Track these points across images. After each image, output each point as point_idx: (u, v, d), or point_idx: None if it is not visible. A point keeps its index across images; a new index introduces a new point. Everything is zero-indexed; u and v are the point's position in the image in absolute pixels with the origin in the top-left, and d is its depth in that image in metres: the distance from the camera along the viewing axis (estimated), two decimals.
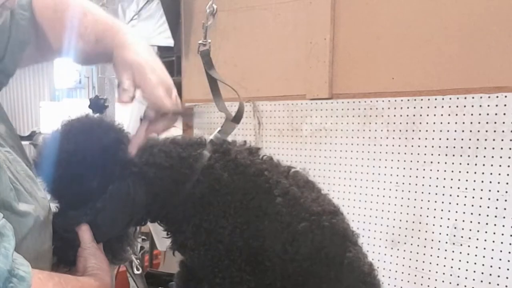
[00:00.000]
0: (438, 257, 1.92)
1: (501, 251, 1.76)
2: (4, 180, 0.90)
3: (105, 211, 1.02)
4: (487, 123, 1.78)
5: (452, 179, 1.87)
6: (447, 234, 1.89)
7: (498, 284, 1.77)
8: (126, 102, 1.07)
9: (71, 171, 1.01)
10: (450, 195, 1.88)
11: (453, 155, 1.86)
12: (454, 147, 1.86)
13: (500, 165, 1.76)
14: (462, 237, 1.85)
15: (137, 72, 1.09)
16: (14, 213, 0.90)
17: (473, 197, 1.82)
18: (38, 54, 1.21)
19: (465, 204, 1.84)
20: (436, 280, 1.93)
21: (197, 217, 1.09)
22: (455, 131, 1.86)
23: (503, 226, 1.76)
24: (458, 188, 1.86)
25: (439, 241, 1.91)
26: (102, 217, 1.02)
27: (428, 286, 1.96)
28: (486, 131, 1.79)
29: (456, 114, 1.85)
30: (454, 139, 1.86)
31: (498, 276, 1.77)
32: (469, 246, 1.84)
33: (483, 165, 1.80)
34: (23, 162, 1.01)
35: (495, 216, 1.77)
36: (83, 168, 1.01)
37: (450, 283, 1.89)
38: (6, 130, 1.06)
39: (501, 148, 1.76)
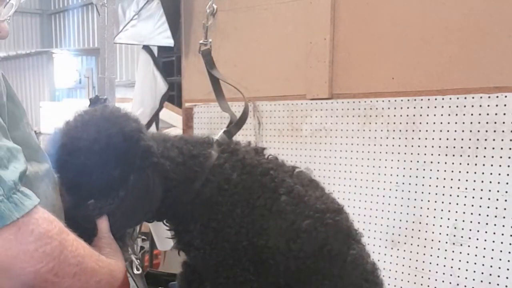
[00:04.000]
0: (438, 257, 1.92)
1: (501, 251, 1.76)
2: (25, 121, 0.93)
3: (127, 201, 1.00)
4: (487, 123, 1.78)
5: (452, 179, 1.87)
6: (447, 234, 1.89)
7: (498, 284, 1.77)
8: None
9: (93, 160, 0.98)
10: (450, 195, 1.88)
11: (453, 155, 1.86)
12: (454, 147, 1.86)
13: (500, 165, 1.76)
14: (462, 237, 1.85)
15: None
16: (34, 153, 0.93)
17: (473, 197, 1.82)
18: None
19: (465, 204, 1.84)
20: (436, 280, 1.93)
21: (206, 217, 1.09)
22: (455, 131, 1.86)
23: (503, 226, 1.76)
24: (458, 188, 1.86)
25: (439, 241, 1.91)
26: (124, 207, 1.00)
27: (428, 286, 1.95)
28: (486, 131, 1.79)
29: (456, 114, 1.85)
30: (454, 139, 1.86)
31: (498, 276, 1.77)
32: (469, 246, 1.84)
33: (483, 165, 1.80)
34: None
35: (495, 216, 1.77)
36: (106, 157, 0.99)
37: (450, 283, 1.89)
38: None
39: (501, 148, 1.76)
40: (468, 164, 1.83)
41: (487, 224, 1.79)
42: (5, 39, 1.00)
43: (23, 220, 0.76)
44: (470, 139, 1.82)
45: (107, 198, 1.01)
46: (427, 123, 1.93)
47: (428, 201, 1.94)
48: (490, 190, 1.78)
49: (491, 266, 1.79)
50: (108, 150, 0.99)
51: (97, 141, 0.98)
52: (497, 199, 1.77)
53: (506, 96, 1.74)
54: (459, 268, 1.87)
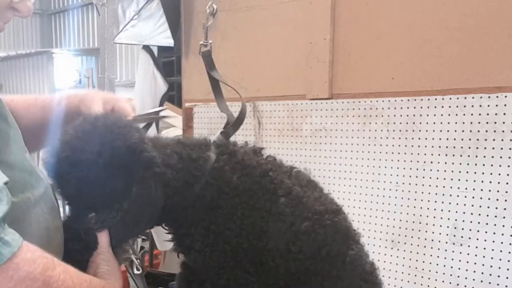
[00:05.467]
0: (438, 257, 1.92)
1: (501, 251, 1.76)
2: (19, 142, 0.92)
3: (130, 213, 0.99)
4: (487, 123, 1.78)
5: (452, 179, 1.87)
6: (447, 234, 1.89)
7: (498, 284, 1.77)
8: None
9: (96, 173, 0.96)
10: (450, 195, 1.88)
11: (453, 155, 1.86)
12: (454, 147, 1.86)
13: (500, 165, 1.76)
14: (462, 237, 1.85)
15: (108, 98, 1.20)
16: (29, 175, 0.91)
17: (473, 197, 1.82)
18: None
19: (465, 204, 1.84)
20: (436, 280, 1.93)
21: (206, 220, 1.08)
22: (455, 131, 1.86)
23: (503, 226, 1.76)
24: (458, 188, 1.86)
25: (439, 241, 1.91)
26: (127, 219, 0.99)
27: (428, 286, 1.95)
28: (486, 131, 1.79)
29: (456, 114, 1.85)
30: (454, 139, 1.86)
31: (498, 276, 1.77)
32: (469, 246, 1.84)
33: (483, 165, 1.80)
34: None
35: (495, 216, 1.77)
36: (109, 170, 0.97)
37: (450, 283, 1.89)
38: None
39: (501, 148, 1.76)
40: (468, 164, 1.83)
41: (487, 224, 1.79)
42: (27, 17, 1.00)
43: (2, 267, 0.76)
44: (470, 139, 1.82)
45: (110, 211, 0.99)
46: (427, 123, 1.93)
47: (428, 201, 1.94)
48: (490, 190, 1.78)
49: (491, 266, 1.79)
50: (112, 163, 0.97)
51: (101, 154, 0.96)
52: (497, 199, 1.77)
53: (506, 96, 1.74)
54: (459, 268, 1.87)
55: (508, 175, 1.74)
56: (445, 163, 1.89)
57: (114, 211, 0.99)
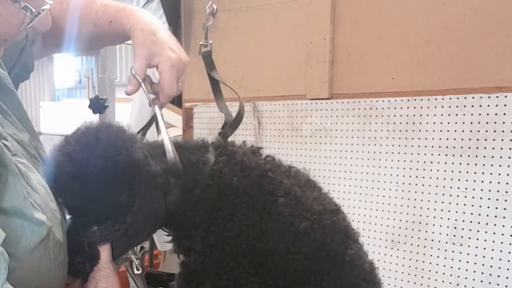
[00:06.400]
0: (438, 257, 1.92)
1: (501, 251, 1.76)
2: (18, 188, 0.89)
3: (133, 225, 0.99)
4: (487, 123, 1.78)
5: (452, 179, 1.87)
6: (447, 234, 1.89)
7: (498, 284, 1.77)
8: (131, 91, 1.09)
9: (100, 187, 0.96)
10: (450, 195, 1.88)
11: (453, 155, 1.86)
12: (454, 147, 1.86)
13: (500, 165, 1.76)
14: (462, 237, 1.85)
15: (156, 51, 1.11)
16: (27, 221, 0.89)
17: (473, 197, 1.82)
18: (44, 48, 1.20)
19: (465, 204, 1.84)
20: (436, 280, 1.93)
21: (207, 222, 1.08)
22: (455, 131, 1.86)
23: (503, 226, 1.76)
24: (458, 188, 1.86)
25: (439, 241, 1.91)
26: (130, 231, 1.00)
27: (428, 286, 1.95)
28: (486, 131, 1.79)
29: (456, 114, 1.85)
30: (454, 139, 1.86)
31: (498, 276, 1.77)
32: (469, 246, 1.84)
33: (483, 165, 1.80)
34: (39, 173, 1.00)
35: (495, 216, 1.77)
36: (113, 184, 0.97)
37: (450, 283, 1.89)
38: (30, 138, 1.05)
39: (501, 148, 1.75)
40: (468, 164, 1.83)
41: (487, 224, 1.79)
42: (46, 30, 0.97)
43: None
44: (470, 139, 1.82)
45: (113, 224, 0.99)
46: (427, 123, 1.93)
47: (428, 201, 1.94)
48: (490, 190, 1.78)
49: (491, 266, 1.79)
50: (115, 177, 0.97)
51: (105, 169, 0.96)
52: (497, 199, 1.77)
53: (506, 96, 1.74)
54: (459, 268, 1.87)
55: (508, 175, 1.74)
56: (445, 163, 1.89)
57: (118, 224, 0.99)
